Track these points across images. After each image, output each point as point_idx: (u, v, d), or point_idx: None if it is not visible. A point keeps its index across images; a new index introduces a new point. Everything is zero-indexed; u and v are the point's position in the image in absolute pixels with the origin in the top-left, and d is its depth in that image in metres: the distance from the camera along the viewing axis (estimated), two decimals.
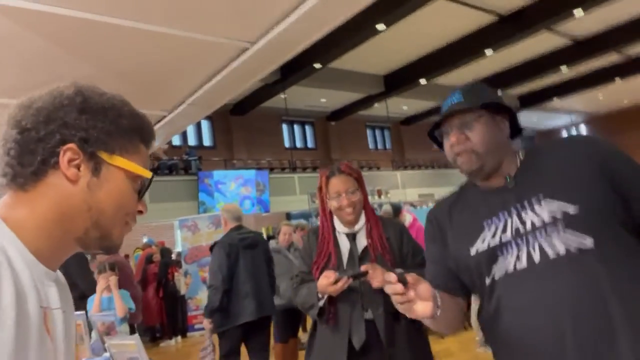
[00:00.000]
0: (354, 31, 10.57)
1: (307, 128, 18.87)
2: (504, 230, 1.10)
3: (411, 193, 16.93)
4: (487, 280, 1.13)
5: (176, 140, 14.77)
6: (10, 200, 0.63)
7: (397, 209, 4.04)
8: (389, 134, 21.09)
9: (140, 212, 0.71)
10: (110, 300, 3.51)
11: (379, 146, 20.98)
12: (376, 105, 16.70)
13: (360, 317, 1.69)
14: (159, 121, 3.01)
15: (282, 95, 14.25)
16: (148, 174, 0.70)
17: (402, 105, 18.33)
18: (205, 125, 16.03)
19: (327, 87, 14.44)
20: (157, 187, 11.69)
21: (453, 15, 11.33)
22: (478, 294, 1.21)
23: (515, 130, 1.23)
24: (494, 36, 12.08)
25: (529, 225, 1.07)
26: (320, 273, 1.71)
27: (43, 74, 2.00)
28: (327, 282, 1.62)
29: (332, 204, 1.78)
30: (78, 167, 0.64)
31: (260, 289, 3.52)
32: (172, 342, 7.13)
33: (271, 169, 14.98)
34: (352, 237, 1.80)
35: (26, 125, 0.63)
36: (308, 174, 15.39)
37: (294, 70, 12.37)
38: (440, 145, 1.24)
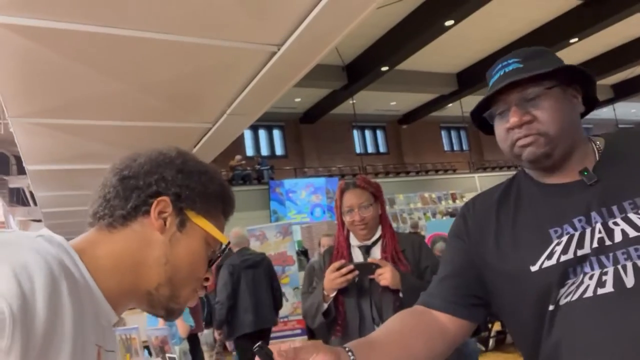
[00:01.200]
0: (421, 30, 10.20)
1: (378, 132, 18.60)
2: (581, 242, 0.83)
3: None
4: (550, 307, 0.84)
5: (250, 151, 15.24)
6: (92, 237, 0.66)
7: None
8: (466, 134, 20.16)
9: (207, 279, 0.72)
10: None
11: (455, 147, 20.12)
12: (450, 105, 16.03)
13: (371, 330, 1.60)
14: (204, 134, 3.01)
15: (350, 101, 14.16)
16: (224, 240, 0.74)
17: None
18: (277, 135, 16.38)
19: (397, 89, 14.11)
20: None
21: (528, 4, 10.53)
22: (514, 323, 0.93)
23: (588, 107, 0.95)
24: (577, 23, 11.05)
25: (618, 237, 0.81)
26: (341, 293, 1.68)
27: (70, 93, 2.04)
28: (334, 274, 1.62)
29: (346, 218, 1.75)
30: (165, 220, 0.67)
31: (260, 303, 4.07)
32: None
33: (342, 176, 14.92)
34: (365, 249, 1.76)
35: (128, 174, 0.68)
36: (380, 179, 15.11)
37: (361, 74, 12.23)
38: (488, 130, 0.99)
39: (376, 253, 1.72)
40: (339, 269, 1.61)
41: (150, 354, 2.90)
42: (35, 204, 4.75)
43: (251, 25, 1.76)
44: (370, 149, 18.29)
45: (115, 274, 0.63)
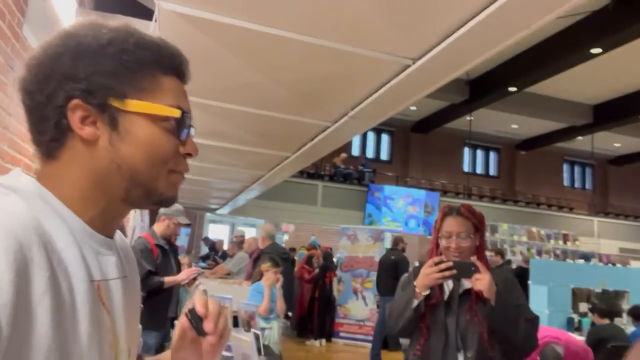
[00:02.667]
0: (563, 54, 9.44)
1: (492, 154, 17.63)
2: None
3: (608, 245, 14.31)
4: None
5: (355, 150, 15.39)
6: (44, 172, 0.57)
7: None
8: (591, 172, 18.28)
9: (189, 154, 0.61)
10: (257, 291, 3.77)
11: (576, 184, 18.35)
12: (579, 138, 14.65)
13: (454, 357, 1.61)
14: (322, 131, 3.14)
15: (467, 117, 13.60)
16: (174, 112, 0.58)
17: (614, 142, 15.70)
18: (384, 140, 16.33)
19: (521, 112, 13.23)
20: (330, 193, 12.35)
21: None
22: None
23: None
24: None
25: None
26: (427, 312, 1.65)
27: (218, 78, 2.25)
28: (432, 269, 1.60)
29: (442, 242, 1.72)
30: (94, 123, 0.56)
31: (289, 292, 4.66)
32: (317, 343, 7.39)
33: (444, 192, 14.43)
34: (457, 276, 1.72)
35: (31, 89, 0.56)
36: (484, 203, 14.35)
37: (485, 91, 11.67)
38: None
39: (466, 282, 1.68)
40: (437, 264, 1.60)
41: (236, 325, 3.11)
42: None
43: (392, 37, 1.80)
44: (479, 170, 17.42)
45: (87, 203, 0.56)
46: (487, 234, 9.74)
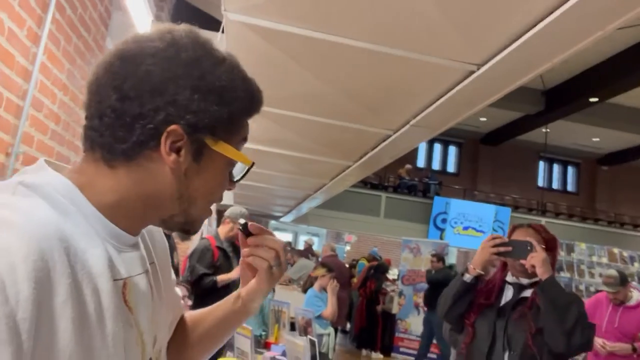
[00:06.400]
0: None
1: (570, 169, 16.53)
2: None
3: None
4: None
5: (420, 162, 15.08)
6: (90, 171, 0.55)
7: (624, 279, 3.15)
8: None
9: (229, 189, 0.63)
10: (317, 297, 3.80)
11: None
12: None
13: (500, 357, 1.57)
14: (384, 140, 3.11)
15: (543, 129, 12.87)
16: (248, 162, 0.61)
17: None
18: (451, 151, 15.86)
19: (604, 125, 12.29)
20: (393, 204, 12.17)
21: None
22: None
23: None
24: None
25: None
26: (476, 312, 1.64)
27: (282, 87, 2.31)
28: (488, 243, 1.59)
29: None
30: (178, 150, 0.55)
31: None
32: (373, 355, 7.27)
33: (515, 207, 13.71)
34: (518, 287, 1.66)
35: (129, 92, 0.53)
36: (560, 221, 13.45)
37: (563, 102, 10.99)
38: None
39: (527, 292, 1.63)
40: (495, 240, 1.61)
41: (293, 329, 3.14)
42: None
43: (454, 42, 1.76)
44: (555, 185, 16.38)
45: (121, 210, 0.55)
46: (563, 254, 9.09)
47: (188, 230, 0.62)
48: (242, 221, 0.69)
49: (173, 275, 0.80)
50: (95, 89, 0.55)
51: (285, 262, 0.73)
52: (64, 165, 0.58)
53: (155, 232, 0.70)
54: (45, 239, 0.46)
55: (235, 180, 0.63)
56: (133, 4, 2.20)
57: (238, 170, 0.64)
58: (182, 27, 0.58)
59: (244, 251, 0.73)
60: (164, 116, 0.53)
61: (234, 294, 0.77)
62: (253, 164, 0.62)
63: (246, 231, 0.69)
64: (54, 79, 1.86)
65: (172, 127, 0.53)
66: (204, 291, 3.19)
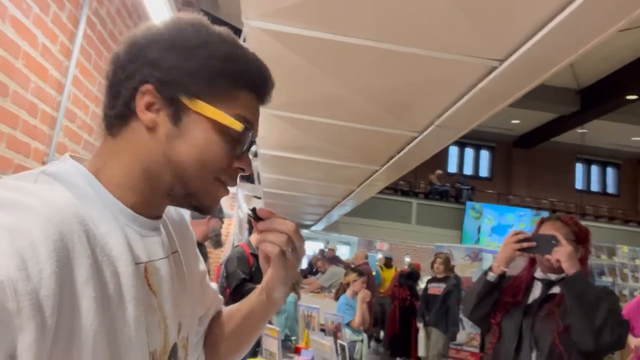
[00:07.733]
0: None
1: (609, 170, 15.90)
2: None
3: None
4: None
5: (452, 167, 14.85)
6: (101, 150, 0.60)
7: None
8: None
9: (242, 169, 0.61)
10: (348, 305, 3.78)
11: None
12: None
13: (527, 357, 1.52)
14: (409, 142, 3.09)
15: (579, 130, 12.45)
16: (236, 125, 0.58)
17: None
18: (483, 156, 15.55)
19: None
20: (425, 210, 12.01)
21: None
22: None
23: None
24: None
25: None
26: (502, 311, 1.61)
27: (304, 92, 2.34)
28: (512, 238, 1.56)
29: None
30: (157, 112, 0.57)
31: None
32: None
33: (553, 211, 13.27)
34: (546, 283, 1.60)
35: (120, 61, 0.58)
36: (601, 224, 12.92)
37: (599, 101, 10.62)
38: None
39: (555, 288, 1.57)
40: (517, 235, 1.58)
41: (324, 333, 3.14)
42: (259, 182, 5.57)
43: (474, 38, 1.74)
44: (594, 187, 15.78)
45: (131, 191, 0.57)
46: (604, 257, 8.72)
47: (195, 206, 0.61)
48: (251, 207, 0.68)
49: (203, 267, 0.80)
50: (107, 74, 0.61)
51: (301, 246, 0.69)
52: (87, 158, 0.61)
53: (182, 224, 0.72)
54: (65, 223, 0.48)
55: (238, 151, 0.60)
56: (159, 17, 2.29)
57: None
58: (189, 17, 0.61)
59: (255, 238, 0.74)
60: (140, 77, 0.56)
61: (259, 286, 0.77)
62: (246, 128, 0.59)
63: (256, 216, 0.67)
64: (86, 91, 1.95)
65: (145, 86, 0.56)
66: (242, 297, 3.24)
